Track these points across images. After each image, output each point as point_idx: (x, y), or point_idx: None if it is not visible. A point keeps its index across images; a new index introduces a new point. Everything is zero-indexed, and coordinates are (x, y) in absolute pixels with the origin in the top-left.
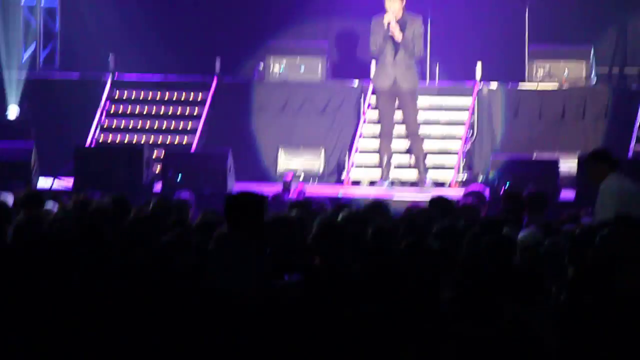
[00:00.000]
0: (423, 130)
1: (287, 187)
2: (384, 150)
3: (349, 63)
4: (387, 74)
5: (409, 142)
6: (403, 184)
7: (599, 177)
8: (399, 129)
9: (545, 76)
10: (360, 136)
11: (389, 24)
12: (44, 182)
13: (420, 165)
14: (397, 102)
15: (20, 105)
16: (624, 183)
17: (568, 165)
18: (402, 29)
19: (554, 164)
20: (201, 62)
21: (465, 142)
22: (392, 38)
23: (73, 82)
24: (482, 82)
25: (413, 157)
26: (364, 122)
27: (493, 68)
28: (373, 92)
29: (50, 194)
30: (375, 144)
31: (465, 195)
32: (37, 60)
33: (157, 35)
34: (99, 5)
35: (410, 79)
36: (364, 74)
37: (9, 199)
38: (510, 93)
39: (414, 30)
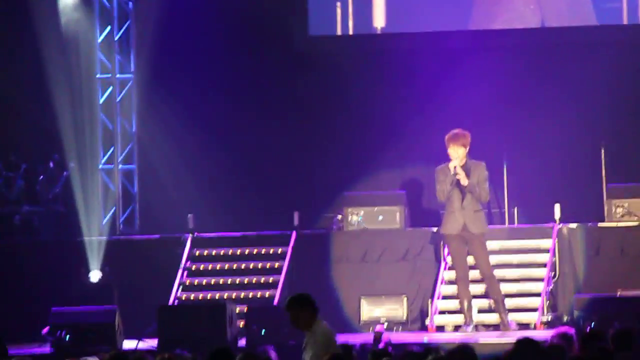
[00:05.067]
0: (504, 273)
1: (378, 338)
2: (463, 295)
3: (426, 211)
4: (456, 219)
5: (485, 285)
6: (487, 327)
7: (308, 322)
8: (475, 273)
9: (624, 214)
10: (442, 282)
11: (455, 168)
12: (128, 344)
13: (500, 307)
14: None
15: (102, 268)
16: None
17: None
18: (467, 175)
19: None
20: (279, 218)
21: (548, 283)
22: (458, 184)
23: (153, 242)
24: (561, 223)
25: (492, 300)
26: (445, 268)
27: (571, 209)
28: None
29: (135, 355)
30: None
31: (553, 336)
32: (117, 223)
33: (234, 194)
34: (175, 166)
35: (478, 224)
36: (441, 221)
37: None
38: (590, 231)
39: (478, 175)
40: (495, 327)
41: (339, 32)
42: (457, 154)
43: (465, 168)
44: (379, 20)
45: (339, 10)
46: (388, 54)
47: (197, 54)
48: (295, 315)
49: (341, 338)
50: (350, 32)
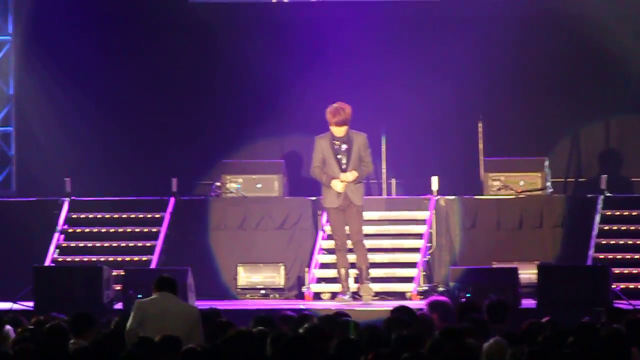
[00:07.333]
0: (381, 243)
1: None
2: (341, 264)
3: (306, 180)
4: (337, 192)
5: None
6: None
7: None
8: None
9: (501, 188)
10: (319, 251)
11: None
12: (2, 306)
13: (362, 274)
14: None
15: None
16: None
17: (528, 274)
18: (349, 147)
19: (513, 272)
20: (157, 184)
21: (424, 254)
22: (338, 157)
23: (30, 205)
24: (438, 195)
25: (356, 268)
26: (324, 237)
27: (449, 182)
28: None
29: (9, 317)
30: (334, 258)
31: (428, 305)
32: None
33: (113, 159)
34: (54, 130)
35: (359, 195)
36: (320, 190)
37: None
38: (467, 203)
39: (359, 146)
40: (378, 294)
41: None
42: (339, 133)
43: (347, 140)
44: None
45: None
46: (269, 21)
47: (76, 17)
48: None
49: (217, 304)
50: None
